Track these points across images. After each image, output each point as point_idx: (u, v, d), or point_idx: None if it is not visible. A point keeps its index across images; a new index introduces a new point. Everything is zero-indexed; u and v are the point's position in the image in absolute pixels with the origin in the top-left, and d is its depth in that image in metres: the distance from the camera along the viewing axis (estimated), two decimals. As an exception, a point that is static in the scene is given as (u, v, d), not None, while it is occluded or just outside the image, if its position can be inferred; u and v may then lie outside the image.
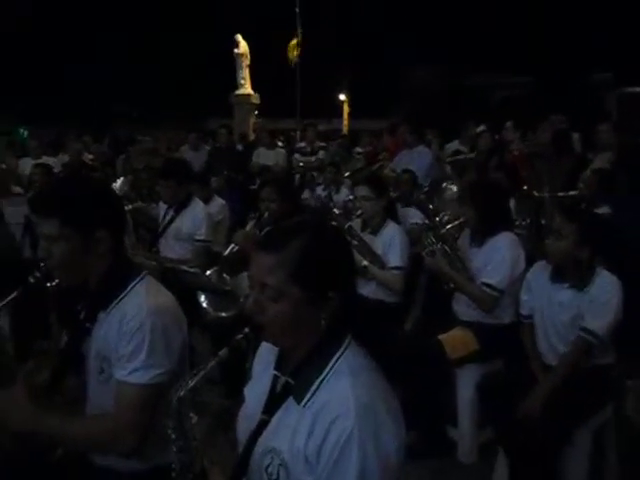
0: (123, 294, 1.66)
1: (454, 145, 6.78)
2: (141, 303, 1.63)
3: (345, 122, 21.13)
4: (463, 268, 3.08)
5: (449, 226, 3.14)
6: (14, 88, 21.77)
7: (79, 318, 1.75)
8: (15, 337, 3.97)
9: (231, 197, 6.18)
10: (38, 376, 1.76)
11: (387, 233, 3.42)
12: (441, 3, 22.90)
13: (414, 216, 4.63)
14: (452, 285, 3.11)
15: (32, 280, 1.74)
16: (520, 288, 2.82)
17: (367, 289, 3.41)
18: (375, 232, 3.46)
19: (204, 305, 3.48)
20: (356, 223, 3.55)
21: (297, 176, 7.15)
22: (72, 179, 1.84)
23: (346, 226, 3.37)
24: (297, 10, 13.29)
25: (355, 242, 3.35)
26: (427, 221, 3.34)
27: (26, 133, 21.32)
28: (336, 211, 3.57)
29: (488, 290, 2.94)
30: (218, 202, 5.12)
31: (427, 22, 23.64)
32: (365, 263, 3.32)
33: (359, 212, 3.43)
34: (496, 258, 2.94)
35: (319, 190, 6.32)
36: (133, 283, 1.68)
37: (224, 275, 3.45)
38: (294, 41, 13.13)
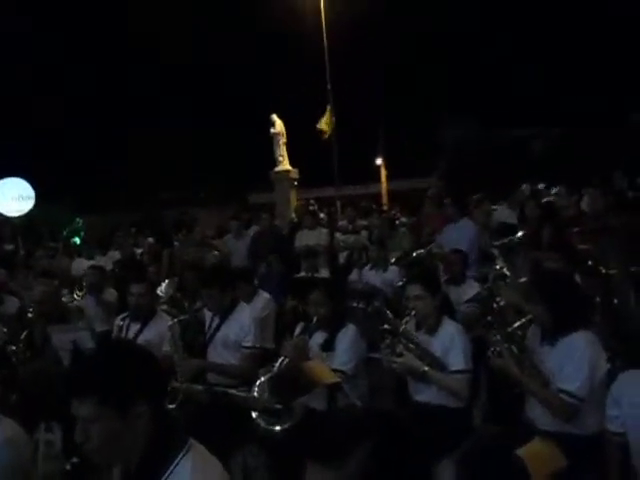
0: (168, 472, 1.53)
1: (502, 212, 6.54)
2: None
3: (383, 185, 21.24)
4: (534, 371, 2.79)
5: (516, 324, 2.87)
6: (68, 180, 23.13)
7: None
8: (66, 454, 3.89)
9: (275, 283, 6.11)
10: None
11: (445, 333, 3.18)
12: (467, 59, 23.27)
13: (465, 294, 4.41)
14: (523, 390, 2.83)
15: (69, 467, 1.60)
16: (603, 394, 2.52)
17: (427, 394, 3.16)
18: (431, 332, 3.22)
19: (256, 419, 3.30)
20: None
21: (344, 254, 7.04)
22: (103, 353, 1.70)
23: (401, 329, 3.15)
24: (329, 86, 13.71)
25: (411, 345, 3.13)
26: (489, 318, 3.08)
27: (81, 222, 22.51)
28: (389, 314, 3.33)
29: (566, 397, 2.63)
30: (263, 297, 5.03)
31: (455, 79, 23.99)
32: (425, 368, 3.08)
33: (413, 312, 3.22)
34: (573, 360, 2.65)
35: (366, 270, 6.16)
36: (177, 459, 1.55)
37: (275, 390, 3.27)
38: (325, 117, 13.48)
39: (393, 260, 5.54)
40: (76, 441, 1.55)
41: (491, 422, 3.78)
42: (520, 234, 4.50)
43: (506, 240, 4.41)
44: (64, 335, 3.30)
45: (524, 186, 8.37)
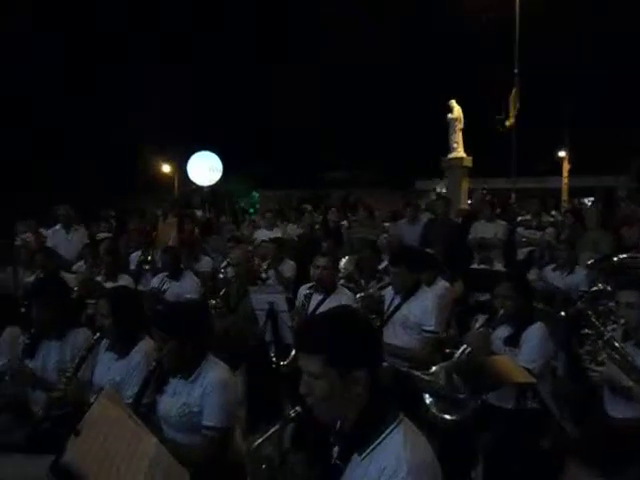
0: (379, 439, 1.60)
1: None
2: (400, 456, 1.55)
3: (565, 180, 19.52)
4: None
5: None
6: (250, 157, 25.09)
7: (331, 455, 1.72)
8: (249, 403, 4.26)
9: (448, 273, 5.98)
10: (264, 450, 1.87)
11: (660, 349, 2.83)
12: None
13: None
14: None
15: (293, 414, 1.74)
16: None
17: (628, 412, 2.86)
18: (642, 345, 2.89)
19: (428, 405, 3.28)
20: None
21: (524, 250, 6.64)
22: (338, 316, 1.76)
23: (605, 338, 2.88)
24: (515, 70, 12.92)
25: (616, 356, 2.84)
26: None
27: (257, 195, 24.63)
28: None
29: None
30: (442, 284, 4.92)
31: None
32: (630, 383, 2.78)
33: (622, 320, 2.92)
34: None
35: (548, 270, 5.74)
36: (390, 428, 1.61)
37: (454, 376, 3.21)
38: (511, 103, 12.75)
39: (589, 262, 5.05)
40: (300, 392, 1.67)
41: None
42: None
43: None
44: (262, 296, 3.58)
45: None
